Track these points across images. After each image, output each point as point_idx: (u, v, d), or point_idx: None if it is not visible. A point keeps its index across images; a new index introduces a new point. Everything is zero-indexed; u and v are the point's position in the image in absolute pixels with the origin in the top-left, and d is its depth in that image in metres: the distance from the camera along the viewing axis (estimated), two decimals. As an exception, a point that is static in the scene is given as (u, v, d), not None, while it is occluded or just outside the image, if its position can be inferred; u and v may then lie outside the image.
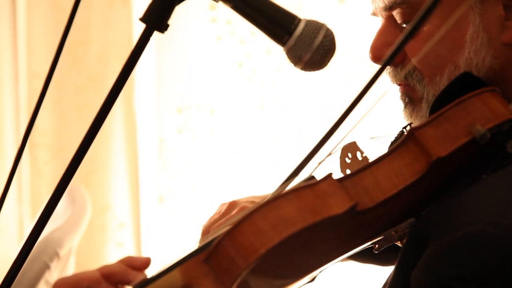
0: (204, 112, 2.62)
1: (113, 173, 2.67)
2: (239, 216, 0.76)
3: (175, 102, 2.64)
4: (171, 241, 2.67)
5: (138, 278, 0.81)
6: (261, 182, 2.58)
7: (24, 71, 2.71)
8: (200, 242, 0.85)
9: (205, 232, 1.06)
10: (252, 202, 1.06)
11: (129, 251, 2.66)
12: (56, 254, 1.57)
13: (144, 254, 2.67)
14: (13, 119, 2.73)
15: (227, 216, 1.04)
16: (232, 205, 1.07)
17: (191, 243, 2.65)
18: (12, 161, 2.96)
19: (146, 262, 0.83)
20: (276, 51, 2.57)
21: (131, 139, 2.66)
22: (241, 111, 2.60)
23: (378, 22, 1.01)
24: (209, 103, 2.62)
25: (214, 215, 1.08)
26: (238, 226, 0.74)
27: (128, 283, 0.82)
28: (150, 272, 0.87)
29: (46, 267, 1.55)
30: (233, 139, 2.62)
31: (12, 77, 2.72)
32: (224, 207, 1.07)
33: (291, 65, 0.92)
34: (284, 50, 0.91)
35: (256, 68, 2.59)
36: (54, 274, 1.62)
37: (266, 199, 0.78)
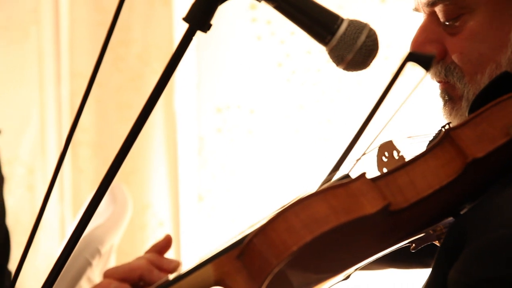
0: (243, 112, 2.63)
1: (153, 172, 2.68)
2: (272, 214, 0.76)
3: (214, 102, 2.65)
4: (210, 240, 2.68)
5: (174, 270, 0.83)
6: (300, 182, 2.58)
7: (66, 71, 2.74)
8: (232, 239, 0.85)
9: None
10: None
11: (168, 251, 2.67)
12: (98, 251, 1.58)
13: (183, 253, 2.68)
14: (55, 118, 2.77)
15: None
16: None
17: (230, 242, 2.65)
18: (54, 159, 3.01)
19: (175, 266, 0.86)
20: (316, 51, 2.56)
21: (171, 138, 2.68)
22: (281, 111, 2.60)
23: (419, 19, 1.00)
24: (249, 103, 2.62)
25: None
26: (270, 223, 0.75)
27: (149, 283, 0.84)
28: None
29: (88, 264, 1.56)
30: (272, 139, 2.61)
31: (55, 77, 2.76)
32: None
33: (332, 65, 0.91)
34: (327, 50, 0.91)
35: (295, 68, 2.59)
36: (95, 271, 1.64)
37: (299, 197, 0.78)
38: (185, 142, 2.68)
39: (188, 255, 2.67)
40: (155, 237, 2.71)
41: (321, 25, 0.89)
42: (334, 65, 0.92)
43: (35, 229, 0.86)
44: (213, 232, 2.68)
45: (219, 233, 2.67)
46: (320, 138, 2.60)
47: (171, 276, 0.82)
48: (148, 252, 0.91)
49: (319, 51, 2.67)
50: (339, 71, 0.93)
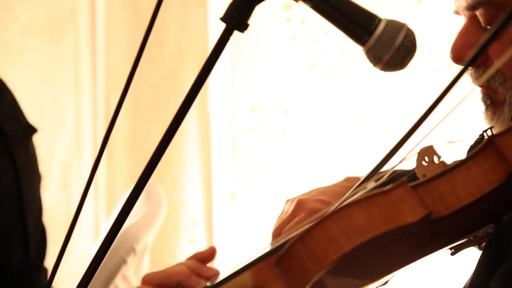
0: (277, 112, 2.62)
1: (187, 171, 2.70)
2: (312, 222, 0.76)
3: (248, 101, 2.65)
4: (243, 239, 2.68)
5: (213, 276, 0.83)
6: (333, 182, 2.56)
7: (102, 70, 2.77)
8: (270, 245, 0.85)
9: (276, 235, 1.05)
10: (320, 200, 1.05)
11: (201, 248, 2.68)
12: (133, 249, 1.59)
13: (216, 251, 2.68)
14: (91, 116, 2.80)
15: (297, 219, 1.03)
16: (300, 205, 1.05)
17: (263, 242, 2.65)
18: (89, 157, 3.04)
19: (213, 274, 0.86)
20: (350, 51, 2.55)
21: (204, 138, 2.69)
22: (315, 111, 2.59)
23: (458, 22, 0.99)
24: (283, 102, 2.62)
25: (281, 215, 1.07)
26: (310, 231, 0.74)
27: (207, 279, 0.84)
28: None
29: (123, 261, 1.58)
30: (306, 139, 2.61)
31: (91, 76, 2.78)
32: (292, 207, 1.06)
33: (366, 65, 0.91)
34: (364, 50, 0.90)
35: (330, 68, 2.58)
36: (130, 269, 1.65)
37: (338, 205, 0.78)
38: (218, 141, 2.68)
39: (220, 254, 2.68)
40: (188, 236, 2.72)
41: (358, 25, 0.88)
42: (368, 65, 0.91)
43: (72, 227, 0.87)
44: (246, 231, 2.68)
45: (252, 233, 2.67)
46: (354, 138, 2.59)
47: (209, 283, 0.82)
48: (189, 258, 0.91)
49: (354, 51, 2.66)
50: (373, 71, 0.92)
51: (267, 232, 2.81)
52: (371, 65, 0.91)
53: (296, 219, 1.02)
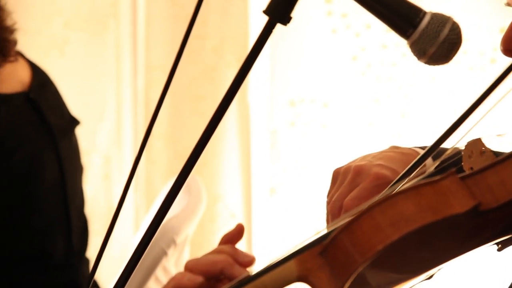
0: (317, 106, 2.61)
1: (226, 164, 2.70)
2: (357, 210, 0.75)
3: (288, 95, 2.64)
4: (281, 233, 2.68)
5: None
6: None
7: (142, 63, 2.79)
8: (329, 226, 0.84)
9: (335, 208, 0.97)
10: (381, 165, 0.97)
11: (240, 241, 2.69)
12: (173, 241, 1.60)
13: (255, 245, 2.69)
14: (131, 109, 2.82)
15: (362, 186, 0.95)
16: (359, 172, 0.96)
17: (302, 236, 2.65)
18: (129, 149, 3.06)
19: (251, 261, 0.85)
20: (391, 45, 2.52)
21: (244, 131, 2.69)
22: (355, 105, 2.58)
23: (503, 15, 0.98)
24: (322, 96, 2.61)
25: (335, 186, 0.99)
26: (356, 220, 0.74)
27: (231, 277, 0.83)
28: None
29: (164, 253, 1.59)
30: (345, 133, 2.60)
31: (131, 69, 2.81)
32: (349, 175, 0.98)
33: (407, 59, 0.90)
34: (408, 44, 0.89)
35: (371, 62, 2.56)
36: (171, 261, 1.66)
37: (385, 195, 0.77)
38: (258, 135, 2.68)
39: (259, 247, 2.68)
40: (226, 229, 2.72)
41: (403, 18, 0.87)
42: (410, 59, 0.90)
43: (114, 219, 0.87)
44: (285, 225, 2.68)
45: (291, 226, 2.67)
46: (394, 133, 2.57)
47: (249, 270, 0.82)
48: (221, 242, 0.91)
49: (395, 45, 2.64)
50: (415, 66, 0.91)
51: (306, 226, 2.81)
52: (412, 59, 0.90)
53: (361, 186, 0.95)
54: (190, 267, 0.85)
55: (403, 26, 0.88)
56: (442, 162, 0.91)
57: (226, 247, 0.88)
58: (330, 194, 0.99)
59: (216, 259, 0.84)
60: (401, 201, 0.74)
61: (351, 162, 1.00)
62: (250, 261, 0.86)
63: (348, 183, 0.96)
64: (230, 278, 0.85)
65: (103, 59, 2.79)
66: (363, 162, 0.97)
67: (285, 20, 0.85)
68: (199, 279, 0.82)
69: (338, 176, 0.99)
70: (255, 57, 0.87)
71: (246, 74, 0.86)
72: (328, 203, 0.99)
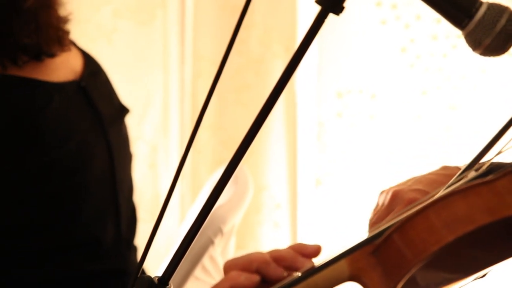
0: (364, 97, 2.59)
1: (272, 155, 2.70)
2: (411, 211, 0.74)
3: (335, 86, 2.63)
4: (327, 225, 2.67)
5: (306, 265, 0.81)
6: (420, 171, 2.52)
7: (189, 53, 2.80)
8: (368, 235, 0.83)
9: (373, 226, 1.01)
10: (417, 190, 1.01)
11: (285, 232, 2.69)
12: (220, 230, 1.61)
13: (300, 236, 2.69)
14: (178, 99, 2.83)
15: (394, 211, 1.00)
16: (396, 196, 1.01)
17: (347, 228, 2.64)
18: (176, 138, 3.07)
19: (317, 250, 0.82)
20: (441, 37, 2.49)
21: (291, 122, 2.68)
22: (403, 97, 2.55)
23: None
24: (370, 88, 2.58)
25: (377, 208, 1.03)
26: (409, 220, 0.72)
27: (296, 269, 0.82)
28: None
29: (210, 242, 1.59)
30: (393, 125, 2.57)
31: (179, 59, 2.82)
32: (387, 198, 1.02)
33: (457, 51, 0.88)
34: (463, 34, 0.87)
35: (420, 53, 2.53)
36: (217, 250, 1.67)
37: (439, 195, 0.75)
38: (304, 126, 2.67)
39: (304, 239, 2.67)
40: (272, 220, 2.73)
41: (458, 8, 0.85)
42: (460, 51, 0.88)
43: (164, 207, 0.88)
44: (330, 217, 2.67)
45: (336, 218, 2.66)
46: (443, 125, 2.53)
47: (299, 273, 0.80)
48: (290, 247, 0.88)
49: (445, 36, 2.60)
50: (464, 57, 0.89)
51: (352, 218, 2.79)
52: (463, 50, 0.88)
53: (395, 211, 0.98)
54: (228, 267, 0.84)
55: (459, 16, 0.86)
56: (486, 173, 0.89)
57: (283, 251, 0.84)
58: (372, 214, 1.01)
59: (252, 258, 0.83)
60: (455, 202, 0.72)
61: (395, 185, 1.01)
62: (316, 250, 0.83)
63: (385, 207, 0.98)
64: (266, 278, 0.84)
65: (150, 48, 2.80)
66: (401, 187, 0.98)
67: (338, 9, 0.84)
68: (256, 278, 0.81)
69: (381, 198, 1.01)
70: (306, 47, 0.86)
71: (297, 64, 0.85)
72: (370, 221, 1.00)
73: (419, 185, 0.98)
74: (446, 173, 0.98)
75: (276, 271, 0.81)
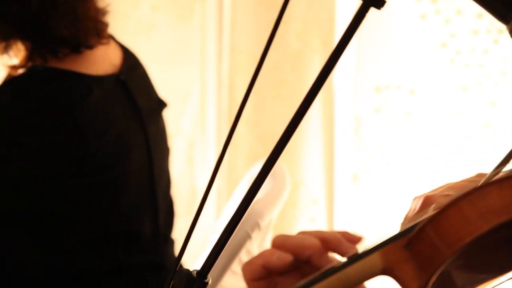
0: (403, 93, 2.57)
1: (309, 150, 2.69)
2: (444, 202, 0.73)
3: (373, 81, 2.61)
4: (363, 221, 2.66)
5: (352, 251, 0.81)
6: (459, 169, 2.49)
7: (227, 48, 2.80)
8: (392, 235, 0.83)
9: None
10: (448, 196, 1.01)
11: (321, 228, 2.68)
12: (257, 225, 1.61)
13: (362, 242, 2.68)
14: (215, 94, 2.84)
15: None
16: (427, 202, 1.01)
17: (384, 224, 2.62)
18: (213, 133, 3.07)
19: (360, 238, 0.82)
20: (482, 31, 2.45)
21: (328, 117, 2.67)
22: (442, 92, 2.52)
23: None
24: (409, 83, 2.56)
25: (409, 213, 1.03)
26: (442, 212, 0.72)
27: (341, 254, 0.82)
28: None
29: (248, 236, 1.59)
30: (432, 121, 2.55)
31: (216, 53, 2.82)
32: (419, 204, 1.02)
33: (499, 46, 0.86)
34: (507, 29, 0.85)
35: (460, 49, 2.50)
36: (254, 244, 1.67)
37: (473, 187, 0.74)
38: (342, 121, 2.66)
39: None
40: (308, 215, 2.72)
41: (503, 2, 0.84)
42: (501, 46, 0.87)
43: (203, 201, 0.88)
44: (367, 213, 2.65)
45: (373, 214, 2.64)
46: (483, 122, 2.50)
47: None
48: (336, 231, 0.88)
49: (486, 31, 2.56)
50: (506, 53, 0.88)
51: (389, 215, 2.76)
52: (504, 46, 0.87)
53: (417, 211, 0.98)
54: (278, 244, 0.83)
55: (504, 11, 0.84)
56: None
57: (330, 234, 0.85)
58: (404, 219, 1.00)
59: (306, 244, 0.82)
60: (491, 193, 0.72)
61: (428, 191, 1.01)
62: (360, 238, 0.84)
63: (417, 212, 0.97)
64: (315, 266, 0.84)
65: (188, 43, 2.82)
66: (434, 193, 0.98)
67: (380, 3, 0.83)
68: (289, 258, 0.80)
69: (413, 203, 1.01)
70: (346, 42, 0.85)
71: (336, 60, 0.84)
72: (401, 226, 1.00)
73: (451, 191, 0.97)
74: (480, 180, 0.97)
75: (326, 262, 0.81)
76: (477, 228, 0.70)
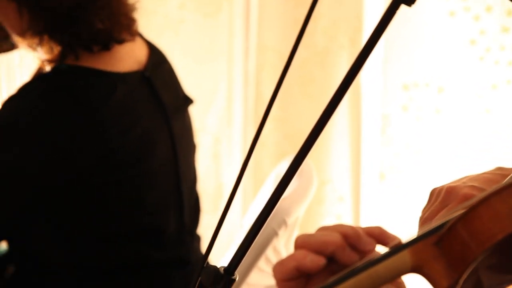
0: (431, 90, 2.55)
1: (336, 147, 2.68)
2: (474, 200, 0.72)
3: (401, 79, 2.59)
4: (390, 219, 2.64)
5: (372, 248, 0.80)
6: (487, 167, 2.47)
7: (254, 44, 2.80)
8: (419, 231, 0.82)
9: (425, 222, 1.00)
10: (472, 187, 1.00)
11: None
12: (284, 222, 1.60)
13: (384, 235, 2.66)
14: (241, 90, 2.84)
15: (449, 207, 0.99)
16: (450, 192, 1.00)
17: (409, 222, 2.61)
18: (239, 130, 3.06)
19: (380, 232, 0.81)
20: (512, 29, 2.43)
21: (355, 114, 2.66)
22: (471, 90, 2.50)
23: None
24: (437, 81, 2.54)
25: (428, 205, 1.02)
26: (474, 209, 0.71)
27: (360, 249, 0.81)
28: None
29: (275, 233, 1.59)
30: (460, 119, 2.52)
31: (243, 50, 2.82)
32: (441, 195, 1.01)
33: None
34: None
35: (490, 46, 2.47)
36: (281, 241, 1.67)
37: (504, 183, 0.74)
38: (369, 119, 2.65)
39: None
40: (334, 212, 2.71)
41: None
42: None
43: (231, 199, 0.88)
44: (394, 211, 2.64)
45: (399, 212, 2.63)
46: (511, 120, 2.47)
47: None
48: (354, 227, 0.88)
49: (516, 28, 2.53)
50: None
51: (415, 213, 2.74)
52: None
53: (449, 206, 0.97)
54: (301, 244, 0.83)
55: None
56: None
57: (348, 228, 0.85)
58: (423, 211, 0.99)
59: (328, 240, 0.82)
60: None
61: (449, 182, 0.99)
62: (370, 250, 0.83)
63: (439, 203, 0.96)
64: (339, 262, 0.84)
65: (216, 39, 2.82)
66: (456, 184, 0.97)
67: (410, 1, 0.82)
68: (322, 261, 0.80)
69: (434, 195, 0.99)
70: (376, 39, 0.84)
71: (366, 57, 0.84)
72: (420, 219, 0.98)
73: (474, 183, 0.96)
74: (502, 173, 0.96)
75: (350, 257, 0.81)
76: (508, 225, 0.70)
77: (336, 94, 0.87)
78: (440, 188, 0.96)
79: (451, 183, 0.98)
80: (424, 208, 0.98)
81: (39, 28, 1.48)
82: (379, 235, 0.82)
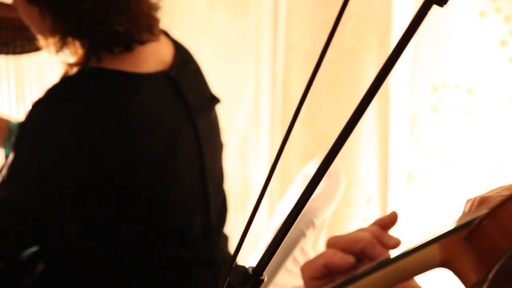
0: (460, 92, 2.53)
1: (364, 148, 2.67)
2: (504, 196, 0.73)
3: (430, 79, 2.57)
4: (417, 220, 2.63)
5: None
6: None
7: (282, 44, 2.80)
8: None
9: None
10: (497, 194, 1.00)
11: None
12: (312, 223, 1.60)
13: (390, 231, 2.65)
14: (269, 90, 2.84)
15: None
16: (483, 203, 1.00)
17: (437, 224, 2.59)
18: (266, 130, 3.06)
19: (392, 218, 0.83)
20: (544, 29, 2.40)
21: (383, 115, 2.65)
22: (501, 92, 2.47)
23: None
24: (467, 82, 2.52)
25: (464, 215, 1.02)
26: (502, 205, 0.72)
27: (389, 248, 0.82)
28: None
29: (302, 234, 1.59)
30: (490, 121, 2.50)
31: (271, 50, 2.82)
32: (475, 205, 1.01)
33: None
34: None
35: (520, 47, 2.44)
36: (309, 242, 1.67)
37: None
38: (397, 120, 2.63)
39: (394, 233, 2.64)
40: (361, 213, 2.70)
41: None
42: None
43: (260, 199, 0.88)
44: (421, 212, 2.62)
45: (428, 214, 2.61)
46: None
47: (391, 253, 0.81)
48: (372, 225, 0.90)
49: (548, 29, 2.50)
50: None
51: (443, 215, 2.72)
52: None
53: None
54: (332, 243, 0.84)
55: None
56: None
57: (372, 227, 0.87)
58: (458, 222, 1.00)
59: (357, 237, 0.83)
60: None
61: (483, 193, 1.00)
62: (395, 244, 0.85)
63: (473, 213, 0.96)
64: (370, 258, 0.85)
65: (244, 40, 2.82)
66: (490, 194, 0.97)
67: (442, 1, 0.82)
68: (351, 259, 0.81)
69: (468, 205, 1.00)
70: (408, 40, 0.83)
71: (397, 58, 0.83)
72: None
73: (507, 192, 0.96)
74: None
75: (381, 252, 0.82)
76: None
77: (366, 96, 0.86)
78: (474, 199, 0.97)
79: (485, 193, 0.98)
80: (459, 219, 0.99)
81: (61, 31, 1.49)
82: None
